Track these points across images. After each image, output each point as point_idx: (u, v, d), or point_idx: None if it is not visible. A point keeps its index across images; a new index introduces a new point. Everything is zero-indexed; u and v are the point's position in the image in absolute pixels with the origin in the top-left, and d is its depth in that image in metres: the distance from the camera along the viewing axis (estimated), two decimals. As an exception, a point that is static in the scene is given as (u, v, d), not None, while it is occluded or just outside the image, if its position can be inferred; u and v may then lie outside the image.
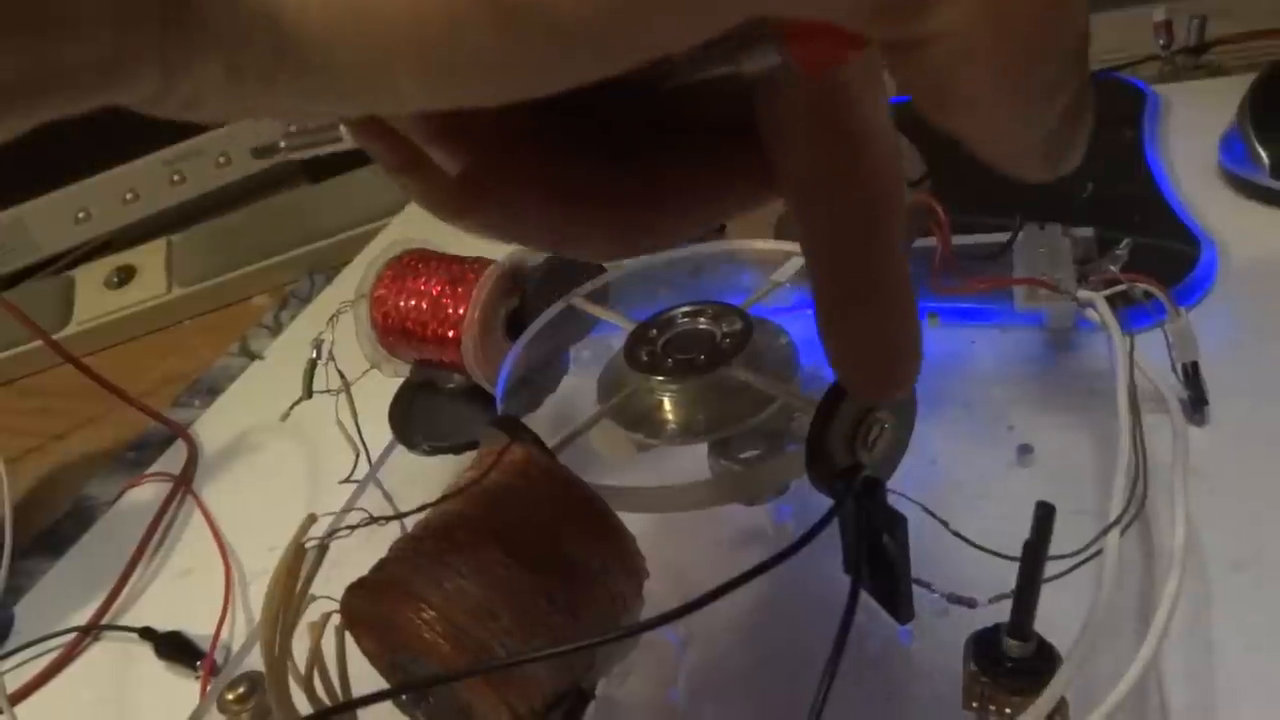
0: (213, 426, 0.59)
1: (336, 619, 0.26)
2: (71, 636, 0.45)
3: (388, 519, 0.26)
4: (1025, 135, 0.14)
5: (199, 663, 0.41)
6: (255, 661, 0.38)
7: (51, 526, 0.55)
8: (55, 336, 0.67)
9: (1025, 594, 0.24)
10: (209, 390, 0.64)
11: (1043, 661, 0.25)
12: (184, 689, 0.41)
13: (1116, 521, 0.28)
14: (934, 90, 0.13)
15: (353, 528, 0.25)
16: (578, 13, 0.11)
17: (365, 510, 0.26)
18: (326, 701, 0.25)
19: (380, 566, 0.26)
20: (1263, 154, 0.48)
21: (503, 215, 0.18)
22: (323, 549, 0.25)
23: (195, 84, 0.14)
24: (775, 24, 0.14)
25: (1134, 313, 0.39)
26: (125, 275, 0.79)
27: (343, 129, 0.32)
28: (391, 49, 0.13)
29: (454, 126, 0.18)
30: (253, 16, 0.13)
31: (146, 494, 0.54)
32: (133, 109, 0.15)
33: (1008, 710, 0.25)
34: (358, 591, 0.25)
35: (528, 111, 0.17)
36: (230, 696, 0.33)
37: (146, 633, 0.43)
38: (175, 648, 0.42)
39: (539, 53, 0.12)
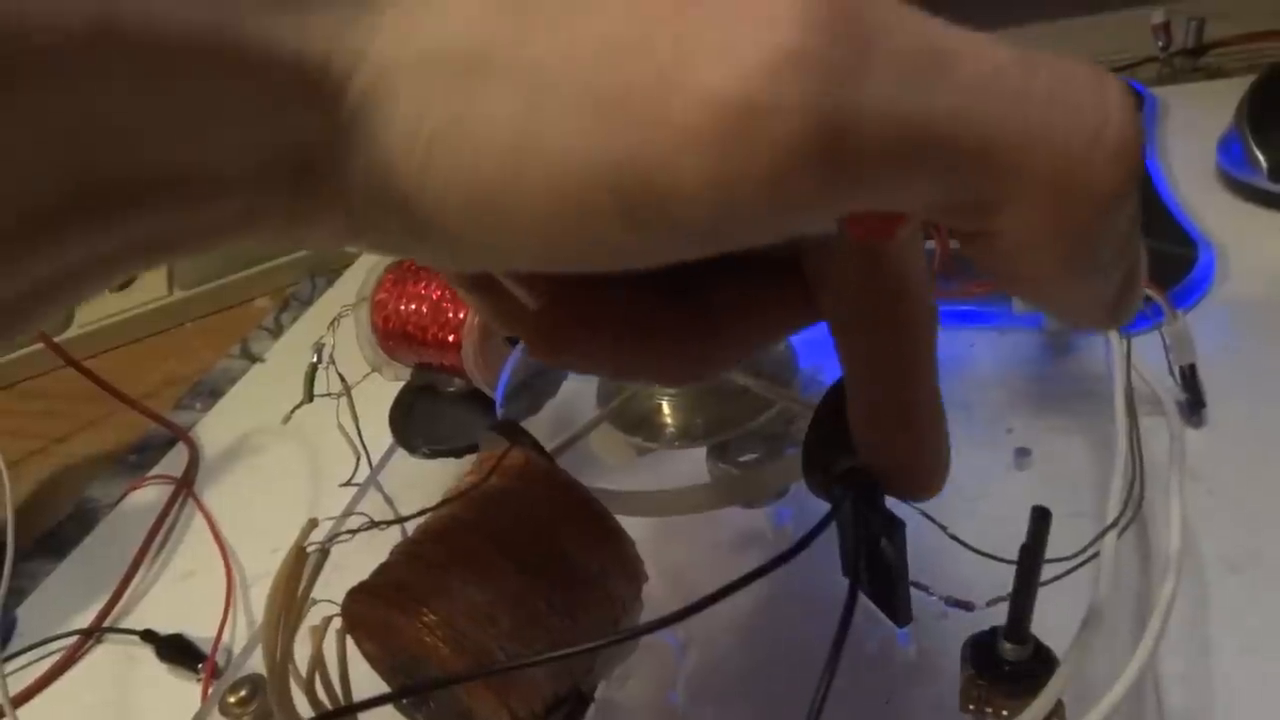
0: (214, 429, 0.60)
1: (338, 623, 0.26)
2: (74, 639, 0.45)
3: (388, 523, 0.26)
4: (1086, 303, 0.15)
5: (200, 665, 0.41)
6: (257, 664, 0.39)
7: (53, 529, 0.55)
8: (57, 339, 0.67)
9: (1021, 597, 0.24)
10: (210, 393, 0.65)
11: (1039, 664, 0.25)
12: (186, 691, 0.41)
13: (1113, 524, 0.28)
14: (1002, 270, 0.15)
15: (354, 532, 0.25)
16: (695, 218, 0.12)
17: (366, 515, 0.26)
18: (328, 705, 0.26)
19: (381, 571, 0.26)
20: (1260, 157, 0.48)
21: (579, 357, 0.19)
22: (324, 553, 0.25)
23: (313, 232, 0.15)
24: None
25: (1131, 316, 0.40)
26: (127, 278, 0.79)
27: None
28: (520, 237, 0.13)
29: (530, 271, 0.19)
30: (384, 193, 0.14)
31: (148, 496, 0.54)
32: None
33: (1004, 713, 0.25)
34: (359, 596, 0.25)
35: None
36: (232, 699, 0.33)
37: (148, 635, 0.43)
38: (177, 650, 0.42)
39: (656, 244, 0.13)
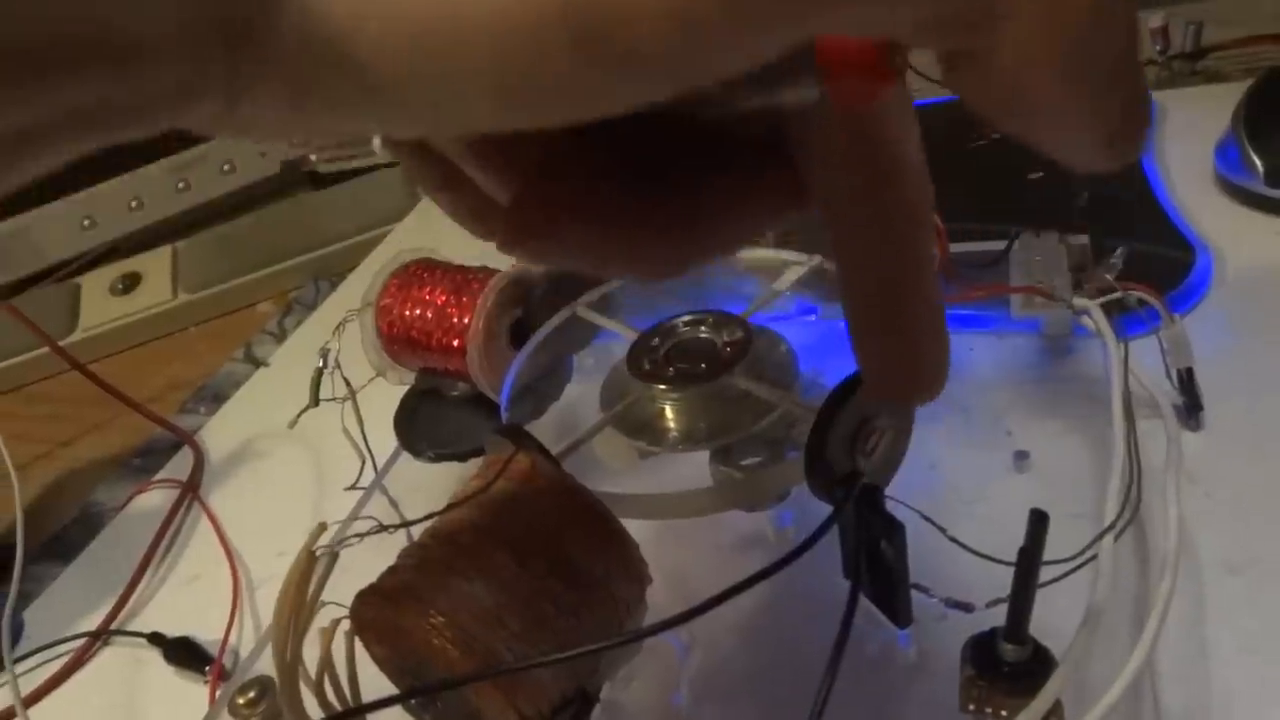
0: (219, 433, 0.60)
1: (346, 625, 0.26)
2: (81, 642, 0.45)
3: (396, 527, 0.26)
4: (1089, 131, 0.14)
5: (207, 668, 0.41)
6: (264, 666, 0.39)
7: (59, 533, 0.55)
8: (61, 343, 0.68)
9: (1020, 599, 0.24)
10: (214, 397, 0.65)
11: (1038, 664, 0.25)
12: (193, 693, 0.41)
13: (1111, 527, 0.29)
14: (998, 97, 0.14)
15: (362, 535, 0.26)
16: (651, 42, 0.12)
17: (374, 518, 0.26)
18: (337, 706, 0.26)
19: (389, 573, 0.26)
20: (1257, 161, 0.48)
21: (553, 244, 0.18)
22: (333, 556, 0.26)
23: (257, 108, 0.14)
24: (815, 57, 0.14)
25: (1129, 319, 0.40)
26: (131, 282, 0.80)
27: (376, 145, 0.32)
28: (469, 79, 0.13)
29: (496, 149, 0.18)
30: (322, 46, 0.13)
31: (153, 500, 0.55)
32: (186, 130, 0.15)
33: (1004, 712, 0.25)
34: (367, 598, 0.25)
35: (567, 137, 0.17)
36: (241, 700, 0.33)
37: (155, 638, 0.44)
38: (184, 653, 0.43)
39: (612, 78, 0.13)
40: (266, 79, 0.14)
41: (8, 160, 0.13)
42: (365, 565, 0.27)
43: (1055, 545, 0.29)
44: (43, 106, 0.13)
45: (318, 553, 0.26)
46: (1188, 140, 0.56)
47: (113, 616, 0.46)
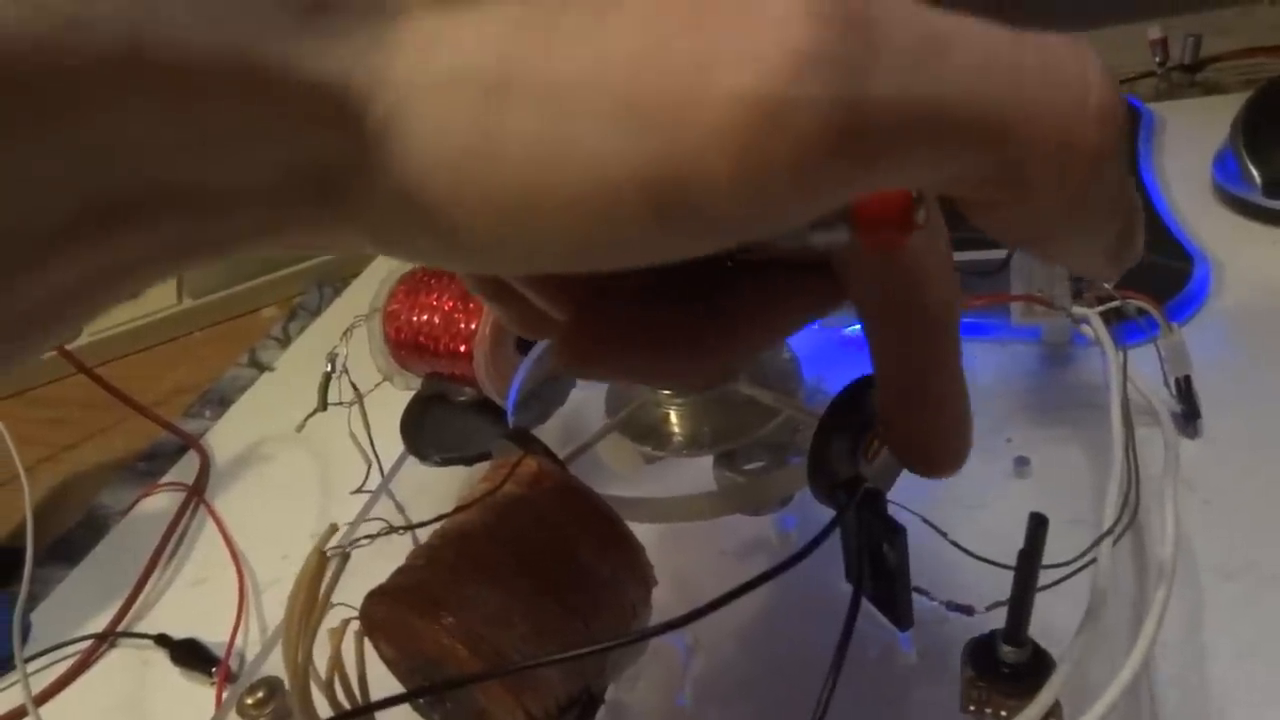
0: (224, 437, 0.60)
1: (356, 625, 0.27)
2: (88, 643, 0.45)
3: (407, 528, 0.27)
4: (1090, 253, 0.17)
5: (214, 669, 0.42)
6: (270, 668, 0.39)
7: (65, 535, 0.56)
8: (67, 347, 0.68)
9: (1020, 601, 0.25)
10: (220, 401, 0.65)
11: (1037, 666, 0.26)
12: (199, 695, 0.41)
13: (1109, 532, 0.29)
14: (1013, 234, 0.16)
15: (373, 536, 0.26)
16: (727, 212, 0.13)
17: (384, 520, 0.27)
18: (347, 706, 0.26)
19: (399, 575, 0.26)
20: (1255, 172, 0.49)
21: (607, 369, 0.20)
22: (345, 557, 0.26)
23: (336, 244, 0.16)
24: (848, 213, 0.16)
25: (1128, 328, 0.40)
26: (142, 287, 0.80)
27: None
28: (553, 244, 0.14)
29: (550, 278, 0.20)
30: (416, 211, 0.14)
31: (159, 504, 0.55)
32: None
33: (1003, 713, 0.25)
34: (377, 599, 0.26)
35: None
36: (250, 701, 0.34)
37: (162, 640, 0.44)
38: (190, 654, 0.43)
39: (683, 239, 0.14)
40: (353, 223, 0.15)
41: (90, 293, 0.14)
42: (372, 567, 0.27)
43: (1054, 550, 0.30)
44: (132, 249, 0.14)
45: (329, 553, 0.26)
46: (1186, 151, 0.56)
47: (119, 618, 0.47)
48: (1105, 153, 0.14)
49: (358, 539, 0.26)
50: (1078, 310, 0.39)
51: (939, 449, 0.21)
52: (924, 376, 0.20)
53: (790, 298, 0.20)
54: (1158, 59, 0.66)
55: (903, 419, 0.21)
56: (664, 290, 0.20)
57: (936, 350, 0.20)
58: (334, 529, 0.27)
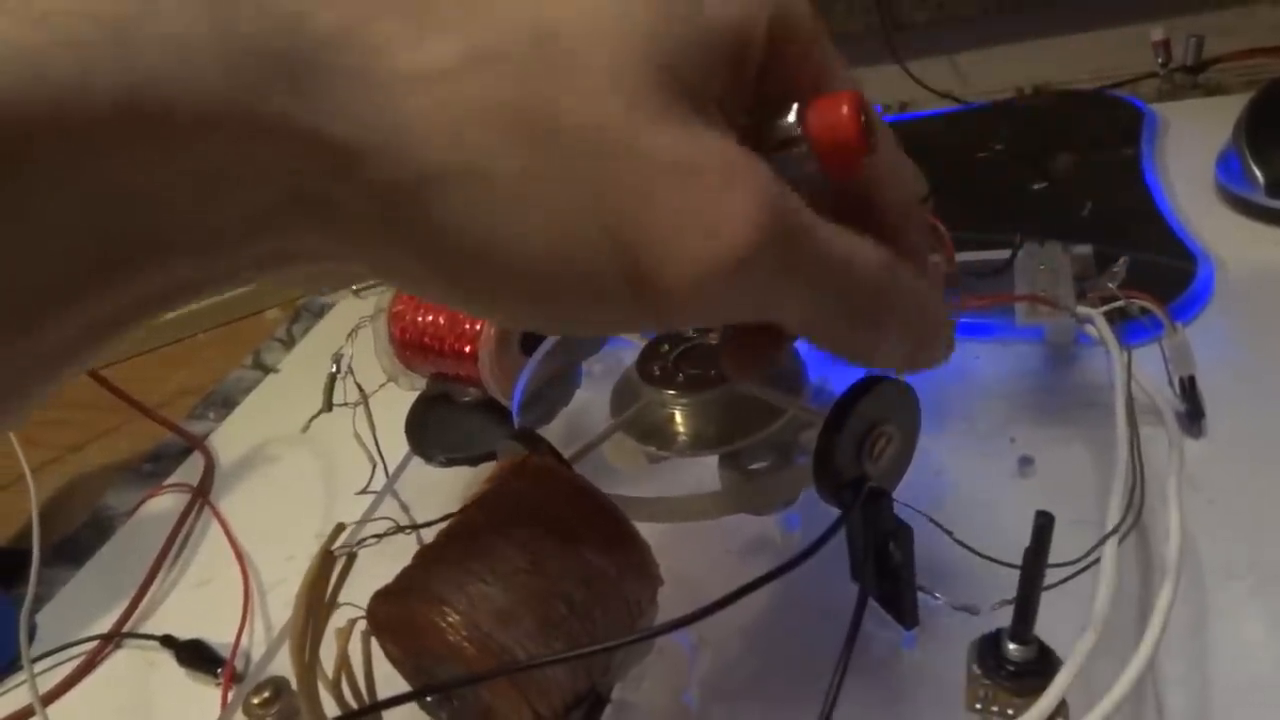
0: (228, 438, 0.60)
1: (362, 624, 0.27)
2: (94, 644, 0.45)
3: (413, 527, 0.27)
4: (878, 356, 0.21)
5: (219, 670, 0.42)
6: (276, 668, 0.39)
7: (70, 537, 0.56)
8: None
9: (1025, 600, 0.25)
10: (224, 403, 0.65)
11: (1043, 665, 0.26)
12: (205, 695, 0.42)
13: (1114, 531, 0.29)
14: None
15: (379, 536, 0.26)
16: (680, 314, 0.18)
17: (391, 519, 0.27)
18: (354, 705, 0.26)
19: (405, 574, 0.26)
20: (1258, 172, 0.49)
21: (763, 368, 0.24)
22: (351, 556, 0.26)
23: (337, 276, 0.20)
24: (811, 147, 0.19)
25: (1132, 327, 0.40)
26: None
27: None
28: (544, 304, 0.18)
29: None
30: (408, 261, 0.17)
31: (164, 505, 0.55)
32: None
33: (1009, 711, 0.25)
34: (384, 598, 0.26)
35: None
36: (256, 700, 0.34)
37: (167, 640, 0.44)
38: (196, 655, 0.43)
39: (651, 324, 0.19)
40: (347, 259, 0.17)
41: (101, 334, 0.15)
42: (377, 567, 0.27)
43: (1060, 550, 0.30)
44: (138, 291, 0.15)
45: (335, 553, 0.26)
46: (1189, 152, 0.56)
47: (125, 619, 0.47)
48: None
49: (364, 539, 0.26)
50: (1082, 310, 0.39)
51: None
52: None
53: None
54: (1160, 60, 0.66)
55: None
56: None
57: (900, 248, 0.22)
58: (340, 528, 0.27)
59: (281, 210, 0.15)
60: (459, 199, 0.15)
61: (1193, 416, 0.38)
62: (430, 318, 0.41)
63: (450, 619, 0.24)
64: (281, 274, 0.17)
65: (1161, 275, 0.46)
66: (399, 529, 0.26)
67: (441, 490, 0.44)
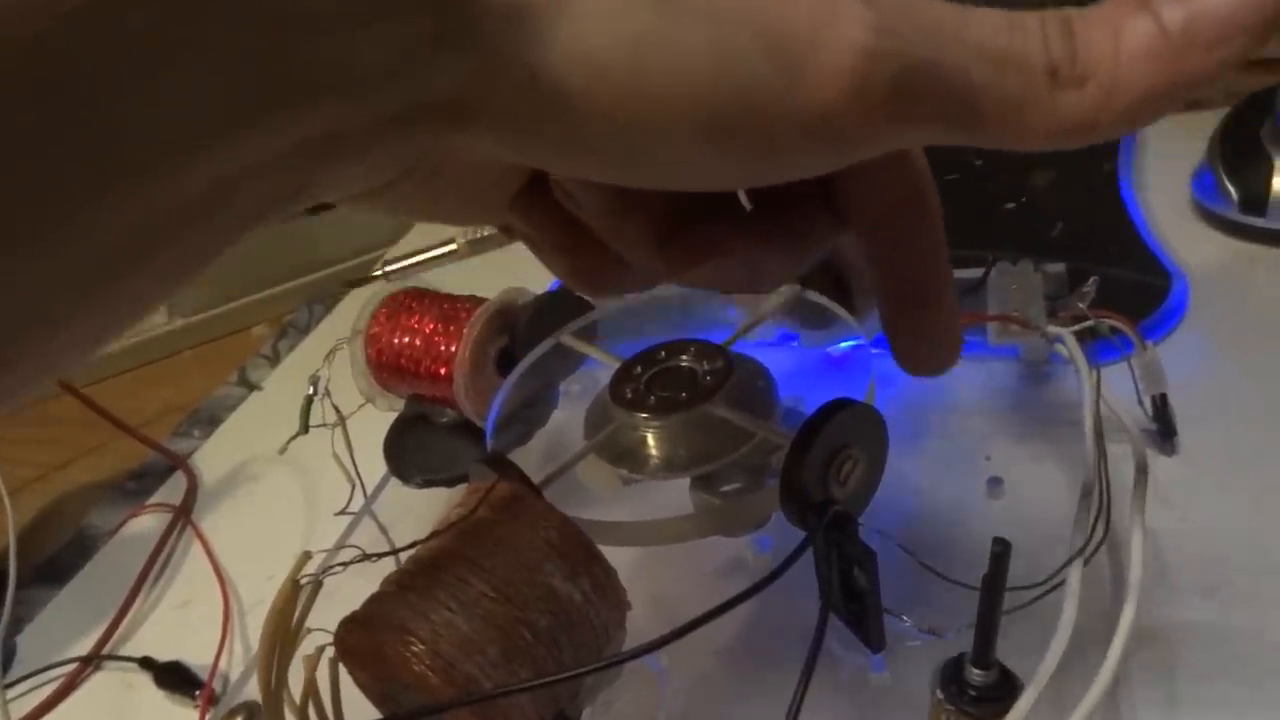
0: (212, 457, 0.60)
1: (331, 651, 0.27)
2: (73, 666, 0.45)
3: (379, 555, 0.27)
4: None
5: (198, 692, 0.42)
6: (254, 690, 0.39)
7: (52, 557, 0.56)
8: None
9: (985, 625, 0.25)
10: (208, 420, 0.65)
11: (1005, 689, 0.26)
12: (183, 718, 0.41)
13: (1079, 554, 0.29)
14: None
15: (346, 564, 0.26)
16: (840, 129, 0.16)
17: (358, 546, 0.27)
18: (321, 731, 0.27)
19: (372, 601, 0.27)
20: (1232, 189, 0.49)
21: (705, 270, 0.22)
22: (317, 585, 0.26)
23: (467, 142, 0.17)
24: None
25: (1103, 346, 0.41)
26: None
27: (460, 242, 0.34)
28: (676, 150, 0.17)
29: (639, 203, 0.22)
30: (561, 89, 0.16)
31: (146, 524, 0.55)
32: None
33: (972, 736, 0.26)
34: (350, 626, 0.26)
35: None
36: (228, 725, 0.34)
37: (146, 662, 0.44)
38: (174, 677, 0.43)
39: (817, 157, 0.17)
40: (488, 118, 0.16)
41: (253, 186, 0.15)
42: (353, 590, 0.27)
43: (1030, 570, 0.30)
44: (295, 132, 0.14)
45: (302, 581, 0.26)
46: (1165, 169, 0.57)
47: (104, 641, 0.47)
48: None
49: (331, 566, 0.27)
50: (1052, 329, 0.40)
51: (943, 346, 0.23)
52: (929, 275, 0.22)
53: (817, 217, 0.22)
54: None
55: (908, 324, 0.23)
56: (731, 209, 0.22)
57: (939, 247, 0.22)
58: (307, 556, 0.27)
59: (419, 41, 0.14)
60: (598, 7, 0.15)
61: (1165, 434, 0.39)
62: (406, 339, 0.41)
63: (414, 648, 0.24)
64: (412, 140, 0.16)
65: (1136, 291, 0.46)
66: (365, 557, 0.26)
67: (420, 511, 0.44)
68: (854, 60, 0.15)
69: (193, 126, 0.13)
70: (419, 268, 0.37)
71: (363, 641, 0.25)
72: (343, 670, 0.27)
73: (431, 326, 0.40)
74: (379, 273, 0.36)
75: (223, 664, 0.43)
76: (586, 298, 0.39)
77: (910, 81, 0.16)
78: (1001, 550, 0.24)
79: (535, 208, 0.23)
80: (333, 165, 0.16)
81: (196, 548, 0.52)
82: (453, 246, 0.33)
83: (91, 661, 0.46)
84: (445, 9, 0.14)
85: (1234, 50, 0.16)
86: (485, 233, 0.33)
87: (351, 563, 0.26)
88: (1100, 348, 0.40)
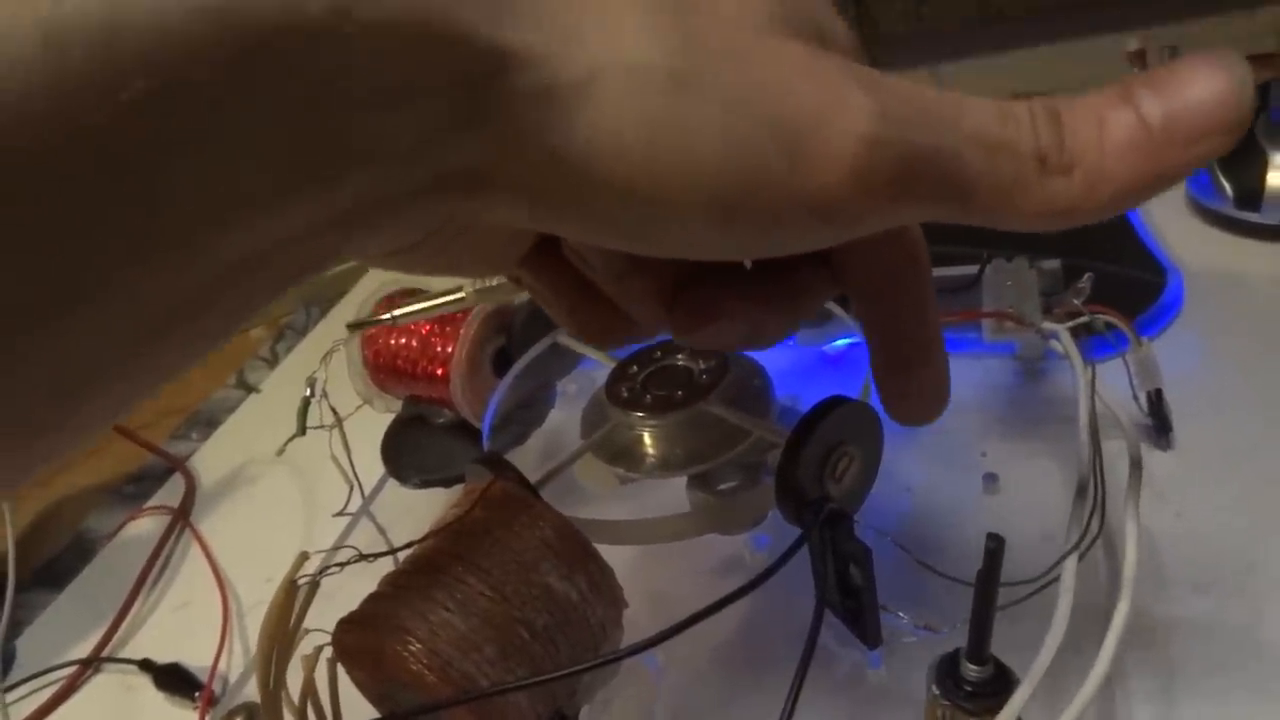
0: (210, 459, 0.60)
1: (329, 651, 0.27)
2: (72, 669, 0.45)
3: (377, 555, 0.27)
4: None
5: (197, 693, 0.42)
6: (253, 691, 0.39)
7: (51, 560, 0.56)
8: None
9: (980, 621, 0.25)
10: (206, 423, 0.66)
11: (999, 684, 0.26)
12: (182, 719, 0.42)
13: (1074, 549, 0.29)
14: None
15: (343, 565, 0.26)
16: (844, 210, 0.17)
17: (355, 547, 0.27)
18: (319, 731, 0.27)
19: (369, 601, 0.27)
20: (1227, 185, 0.49)
21: (714, 329, 0.22)
22: (315, 586, 0.26)
23: (484, 209, 0.17)
24: None
25: (1098, 342, 0.41)
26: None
27: (467, 289, 0.35)
28: (692, 229, 0.17)
29: (650, 268, 0.22)
30: (583, 173, 0.16)
31: (145, 527, 0.55)
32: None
33: (967, 732, 0.26)
34: (348, 626, 0.26)
35: None
36: (228, 726, 0.34)
37: (146, 665, 0.44)
38: (174, 679, 0.43)
39: (822, 233, 0.18)
40: (513, 191, 0.17)
41: (284, 256, 0.15)
42: (351, 590, 0.27)
43: (1026, 566, 0.30)
44: (328, 205, 0.15)
45: (299, 582, 0.26)
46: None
47: (104, 644, 0.47)
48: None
49: (329, 567, 0.27)
50: (1047, 326, 0.40)
51: (931, 402, 0.24)
52: (919, 337, 0.23)
53: (815, 274, 0.23)
54: (1135, 71, 0.67)
55: (898, 382, 0.24)
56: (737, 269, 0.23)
57: (930, 311, 0.23)
58: (305, 557, 0.27)
59: (447, 120, 0.15)
60: (618, 94, 0.16)
61: (1160, 430, 0.39)
62: (403, 340, 0.41)
63: (412, 647, 0.24)
64: (439, 210, 0.17)
65: (1132, 288, 0.46)
66: (362, 557, 0.27)
67: (418, 512, 0.44)
68: (856, 146, 0.16)
69: (233, 202, 0.14)
70: (425, 314, 0.38)
71: (360, 641, 0.26)
72: (341, 672, 0.27)
73: (428, 327, 0.41)
74: (387, 316, 0.37)
75: (222, 665, 0.44)
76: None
77: (909, 166, 0.17)
78: (996, 546, 0.24)
79: (546, 266, 0.24)
80: (360, 234, 0.16)
81: (195, 550, 0.52)
82: (460, 295, 0.34)
83: (91, 664, 0.46)
84: (475, 92, 0.15)
85: (1209, 148, 0.17)
86: (494, 282, 0.34)
87: (349, 563, 0.26)
88: (1095, 344, 0.40)
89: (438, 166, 0.16)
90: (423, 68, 0.15)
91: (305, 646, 0.27)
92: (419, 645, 0.24)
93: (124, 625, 0.48)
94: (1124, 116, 0.17)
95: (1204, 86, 0.17)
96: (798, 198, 0.17)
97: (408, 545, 0.27)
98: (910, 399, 0.24)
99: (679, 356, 0.36)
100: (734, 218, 0.17)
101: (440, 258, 0.21)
